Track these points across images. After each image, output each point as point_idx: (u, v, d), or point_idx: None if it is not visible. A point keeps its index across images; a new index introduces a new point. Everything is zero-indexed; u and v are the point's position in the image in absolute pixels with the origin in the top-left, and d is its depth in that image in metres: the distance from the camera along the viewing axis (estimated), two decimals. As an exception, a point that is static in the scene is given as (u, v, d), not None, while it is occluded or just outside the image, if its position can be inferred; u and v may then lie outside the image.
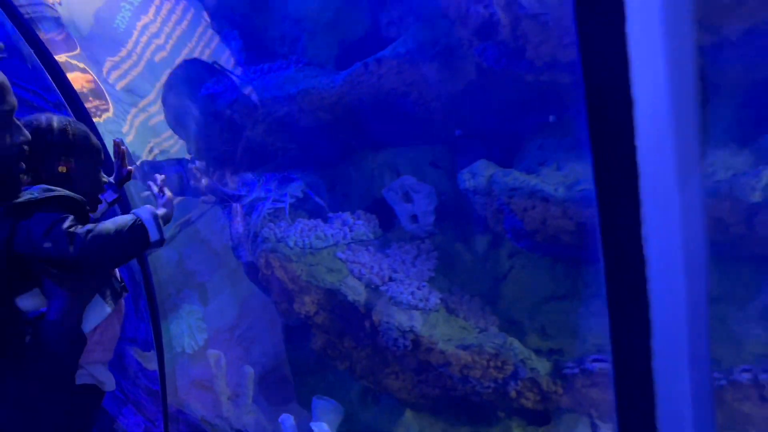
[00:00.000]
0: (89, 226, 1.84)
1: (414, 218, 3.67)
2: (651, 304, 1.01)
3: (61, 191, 1.88)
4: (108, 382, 2.13)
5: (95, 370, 2.07)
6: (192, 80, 4.32)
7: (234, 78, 3.83)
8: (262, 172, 3.98)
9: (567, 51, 2.37)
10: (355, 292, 3.48)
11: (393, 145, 3.93)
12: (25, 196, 1.82)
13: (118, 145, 2.51)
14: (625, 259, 1.03)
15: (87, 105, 3.64)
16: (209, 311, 4.99)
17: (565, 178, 3.06)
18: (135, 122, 4.73)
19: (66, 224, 1.78)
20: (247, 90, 3.79)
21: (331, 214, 3.80)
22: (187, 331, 5.03)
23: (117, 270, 2.24)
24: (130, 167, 2.53)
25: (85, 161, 2.13)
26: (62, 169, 2.06)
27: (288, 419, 3.86)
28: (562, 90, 2.79)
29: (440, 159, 3.88)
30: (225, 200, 4.21)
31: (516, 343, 2.98)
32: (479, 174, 3.20)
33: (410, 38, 3.07)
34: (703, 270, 0.99)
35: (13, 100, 1.68)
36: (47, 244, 1.76)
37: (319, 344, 3.94)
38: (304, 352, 4.40)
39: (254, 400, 4.40)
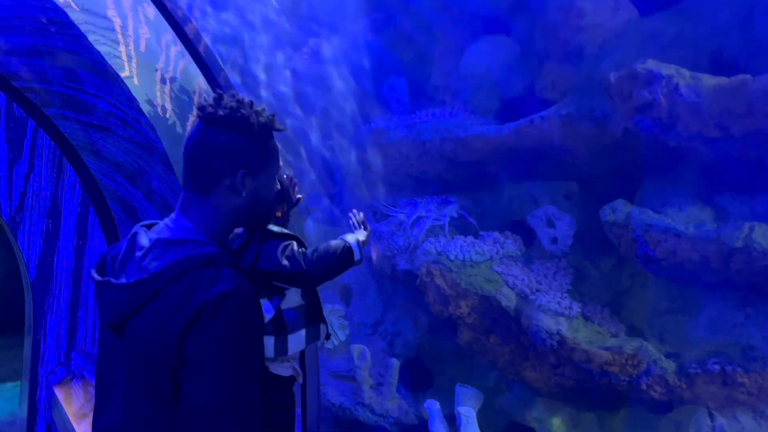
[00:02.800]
0: (312, 248, 2.42)
1: (554, 240, 4.65)
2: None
3: (289, 232, 2.48)
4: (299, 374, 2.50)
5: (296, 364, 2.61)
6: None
7: (405, 118, 4.87)
8: (423, 194, 5.00)
9: (712, 128, 3.31)
10: (508, 299, 4.49)
11: (532, 179, 4.91)
12: (269, 229, 2.38)
13: (291, 178, 2.84)
14: None
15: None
16: (352, 309, 6.06)
17: (690, 219, 3.98)
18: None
19: (295, 246, 2.36)
20: (417, 130, 4.83)
21: (482, 233, 4.80)
22: (329, 328, 6.09)
23: None
24: (299, 195, 2.89)
25: (289, 205, 2.71)
26: (279, 214, 2.56)
27: (434, 404, 4.83)
28: (698, 153, 3.72)
29: (572, 193, 4.84)
30: (385, 217, 5.25)
31: (650, 347, 3.93)
32: (619, 210, 4.16)
33: (571, 103, 4.05)
34: None
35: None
36: (285, 262, 2.19)
37: (466, 340, 4.95)
38: (445, 346, 5.43)
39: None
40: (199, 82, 4.29)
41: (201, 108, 1.54)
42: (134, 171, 5.56)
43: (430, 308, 5.18)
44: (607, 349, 4.15)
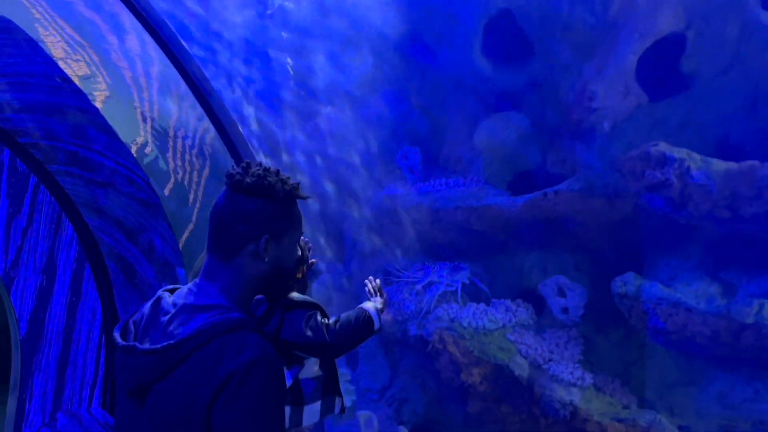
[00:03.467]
0: (333, 318, 2.38)
1: (565, 310, 4.75)
2: None
3: (313, 299, 2.45)
4: None
5: None
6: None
7: (418, 186, 5.04)
8: (435, 260, 5.11)
9: (722, 210, 3.48)
10: (521, 368, 4.54)
11: (543, 249, 5.05)
12: (292, 297, 2.36)
13: (307, 243, 2.80)
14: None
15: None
16: (358, 374, 6.05)
17: (699, 294, 4.11)
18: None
19: (318, 317, 2.31)
20: (431, 198, 4.98)
21: (494, 300, 4.89)
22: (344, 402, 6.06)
23: None
24: (313, 260, 2.84)
25: (308, 267, 2.74)
26: (299, 275, 2.59)
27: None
28: (706, 231, 3.88)
29: (582, 264, 4.98)
30: (395, 281, 5.34)
31: (664, 420, 3.99)
32: (630, 283, 4.30)
33: (583, 178, 4.24)
34: None
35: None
36: (309, 333, 2.23)
37: (476, 408, 4.97)
38: (454, 414, 5.42)
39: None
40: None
41: (229, 176, 1.60)
42: (133, 228, 5.62)
43: (441, 375, 5.21)
44: (620, 421, 4.20)
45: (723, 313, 3.90)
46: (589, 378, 4.45)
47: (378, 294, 2.88)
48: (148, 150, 4.83)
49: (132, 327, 1.63)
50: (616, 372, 4.75)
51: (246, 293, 1.63)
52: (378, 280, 3.02)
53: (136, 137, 4.75)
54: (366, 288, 2.96)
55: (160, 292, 1.68)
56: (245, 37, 5.56)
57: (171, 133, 5.02)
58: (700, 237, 4.08)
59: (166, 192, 5.25)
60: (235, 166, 1.65)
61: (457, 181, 5.05)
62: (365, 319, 2.50)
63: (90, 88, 4.37)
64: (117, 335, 1.63)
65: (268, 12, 5.91)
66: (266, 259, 1.60)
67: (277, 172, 1.62)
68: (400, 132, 5.55)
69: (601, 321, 4.87)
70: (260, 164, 1.63)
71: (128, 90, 4.63)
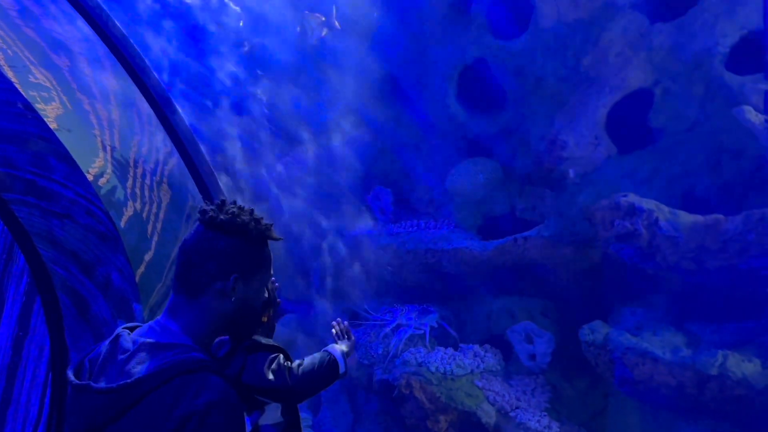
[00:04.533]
0: (296, 362, 2.39)
1: (533, 357, 4.72)
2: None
3: (276, 343, 2.46)
4: None
5: None
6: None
7: (389, 226, 5.00)
8: (403, 302, 5.04)
9: (689, 261, 3.53)
10: (488, 415, 4.46)
11: (511, 294, 5.04)
12: (256, 339, 2.35)
13: (274, 283, 2.76)
14: None
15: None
16: (320, 419, 5.86)
17: (664, 344, 4.13)
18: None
19: (282, 360, 2.24)
20: (401, 239, 4.95)
21: (462, 345, 4.83)
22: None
23: None
24: (279, 300, 2.82)
25: (274, 309, 2.63)
26: (264, 319, 2.48)
27: None
28: (673, 282, 3.93)
29: (548, 310, 4.98)
30: (363, 323, 5.24)
31: (631, 471, 3.92)
32: (597, 331, 4.30)
33: (553, 226, 4.28)
34: None
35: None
36: (270, 376, 2.17)
37: (440, 457, 4.81)
38: (418, 461, 5.26)
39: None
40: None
41: (203, 212, 1.58)
42: (90, 261, 5.39)
43: (406, 421, 5.08)
44: (587, 472, 4.13)
45: (688, 363, 3.92)
46: (555, 427, 4.39)
47: (345, 336, 2.81)
48: (102, 182, 4.66)
49: (87, 365, 1.56)
50: (582, 421, 4.71)
51: (209, 333, 1.59)
52: (345, 323, 2.99)
53: (93, 165, 4.56)
54: (333, 330, 2.87)
55: (119, 330, 1.61)
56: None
57: (131, 162, 4.85)
58: (666, 287, 4.14)
59: (122, 224, 5.06)
60: (209, 203, 1.63)
61: (429, 223, 5.04)
62: (330, 362, 2.43)
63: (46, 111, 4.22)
64: (71, 373, 1.55)
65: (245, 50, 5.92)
66: (233, 299, 1.56)
67: (251, 212, 1.60)
68: (372, 172, 5.54)
69: (568, 368, 4.85)
70: (234, 202, 1.61)
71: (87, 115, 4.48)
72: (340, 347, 2.57)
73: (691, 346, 4.17)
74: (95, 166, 4.57)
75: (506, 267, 4.65)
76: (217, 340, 2.31)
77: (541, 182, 4.55)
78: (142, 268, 5.09)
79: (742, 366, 3.74)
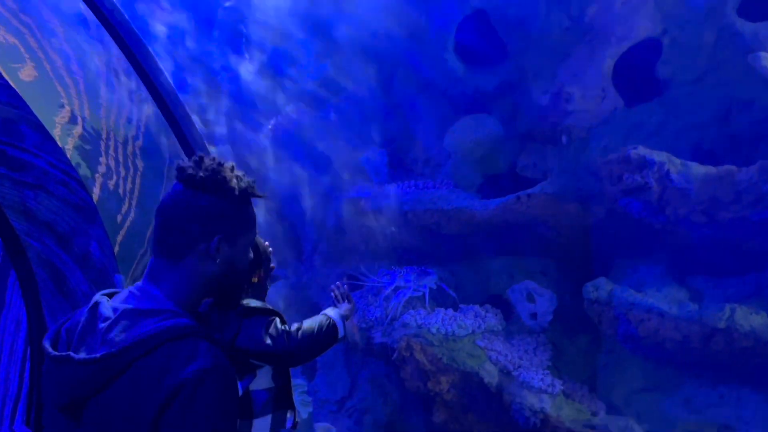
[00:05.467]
0: (295, 325, 2.27)
1: (534, 316, 4.65)
2: None
3: (270, 307, 2.34)
4: None
5: None
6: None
7: (385, 188, 4.84)
8: (401, 264, 4.92)
9: (699, 214, 3.45)
10: (491, 374, 4.39)
11: (511, 254, 4.94)
12: (248, 303, 2.25)
13: (267, 246, 2.64)
14: None
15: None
16: (315, 384, 5.75)
17: (668, 299, 4.08)
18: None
19: (279, 324, 2.22)
20: (398, 200, 4.79)
21: (462, 306, 4.73)
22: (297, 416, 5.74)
23: None
24: (273, 264, 2.68)
25: (266, 271, 2.57)
26: (255, 279, 2.41)
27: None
28: (678, 236, 3.86)
29: (548, 269, 4.90)
30: (359, 286, 5.11)
31: (637, 427, 3.91)
32: (601, 288, 4.23)
33: (556, 182, 4.16)
34: None
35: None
36: (268, 340, 2.13)
37: (442, 417, 4.78)
38: (417, 424, 5.21)
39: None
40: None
41: (180, 170, 1.48)
42: (65, 233, 5.16)
43: (405, 384, 5.00)
44: (592, 428, 4.10)
45: (695, 318, 3.88)
46: (558, 384, 4.34)
47: (345, 300, 2.76)
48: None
49: (65, 335, 1.49)
50: (583, 378, 4.68)
51: (195, 297, 1.51)
52: (345, 286, 2.90)
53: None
54: (332, 294, 2.83)
55: (97, 297, 1.53)
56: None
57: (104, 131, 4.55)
58: (671, 242, 4.07)
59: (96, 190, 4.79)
60: (186, 160, 1.52)
61: (427, 183, 4.88)
62: (329, 326, 2.37)
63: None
64: (47, 344, 1.47)
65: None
66: (218, 261, 1.49)
67: (232, 168, 1.52)
68: (366, 132, 5.34)
69: (569, 327, 4.80)
70: (214, 158, 1.52)
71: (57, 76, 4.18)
72: (339, 311, 2.51)
73: (694, 300, 4.13)
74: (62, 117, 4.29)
75: (507, 226, 4.53)
76: (203, 304, 2.30)
77: (543, 138, 4.41)
78: (121, 237, 4.84)
79: (750, 319, 3.70)
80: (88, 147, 4.53)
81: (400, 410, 5.38)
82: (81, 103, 4.34)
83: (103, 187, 4.69)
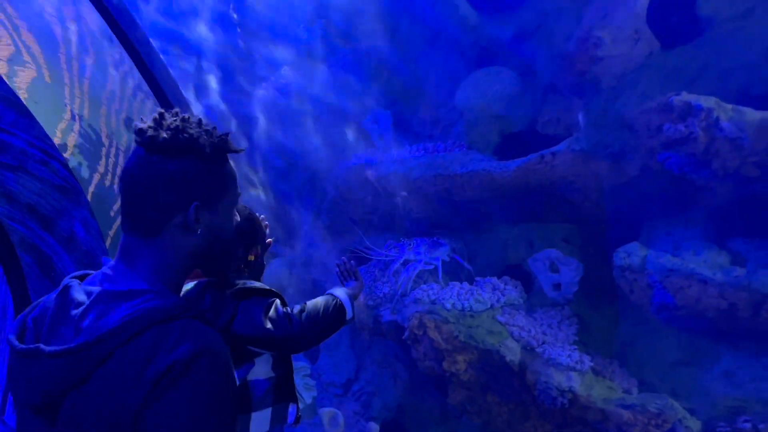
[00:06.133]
0: (297, 307, 2.03)
1: (557, 286, 4.24)
2: None
3: (269, 287, 2.12)
4: None
5: None
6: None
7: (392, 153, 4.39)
8: (410, 236, 4.49)
9: (752, 167, 3.02)
10: (513, 352, 4.00)
11: (528, 220, 4.52)
12: (245, 283, 2.03)
13: (263, 220, 2.41)
14: None
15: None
16: (319, 366, 5.36)
17: (709, 265, 3.68)
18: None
19: (279, 306, 1.99)
20: (407, 165, 4.35)
21: (479, 279, 4.32)
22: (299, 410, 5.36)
23: None
24: (270, 239, 2.46)
25: (263, 248, 2.31)
26: (251, 257, 2.17)
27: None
28: (719, 194, 3.44)
29: (571, 236, 4.49)
30: (365, 260, 4.69)
31: (676, 404, 3.53)
32: (634, 254, 3.82)
33: (585, 138, 3.71)
34: None
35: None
36: (269, 325, 1.90)
37: (459, 399, 4.40)
38: (430, 406, 4.84)
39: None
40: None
41: (139, 132, 1.28)
42: (49, 215, 4.78)
43: (417, 364, 4.61)
44: (627, 407, 3.72)
45: (743, 284, 3.48)
46: (587, 361, 3.96)
47: (352, 278, 2.50)
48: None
49: (32, 325, 1.33)
50: (610, 353, 4.30)
51: (177, 275, 1.34)
52: (353, 262, 2.60)
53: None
54: (336, 271, 2.56)
55: (67, 280, 1.35)
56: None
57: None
58: (710, 201, 3.66)
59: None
60: (144, 118, 1.31)
61: (438, 146, 4.43)
62: (336, 307, 2.13)
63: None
64: (12, 337, 1.31)
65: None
66: (198, 232, 1.32)
67: (200, 122, 1.33)
68: (368, 92, 4.87)
69: (594, 298, 4.40)
70: (177, 113, 1.33)
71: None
72: (345, 290, 2.30)
73: (737, 265, 3.74)
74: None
75: (528, 189, 4.10)
76: (199, 285, 2.03)
77: (568, 89, 3.97)
78: (113, 230, 4.56)
79: (804, 283, 3.31)
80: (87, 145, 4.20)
81: (411, 392, 5.00)
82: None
83: (98, 184, 4.37)
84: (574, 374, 3.91)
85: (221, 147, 1.34)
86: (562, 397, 3.88)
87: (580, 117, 3.85)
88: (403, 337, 4.45)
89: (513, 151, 4.18)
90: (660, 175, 3.65)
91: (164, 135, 1.27)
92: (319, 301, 2.10)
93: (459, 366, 4.23)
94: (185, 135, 1.28)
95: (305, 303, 2.08)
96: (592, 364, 3.96)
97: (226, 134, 1.36)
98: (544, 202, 4.24)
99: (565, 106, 4.06)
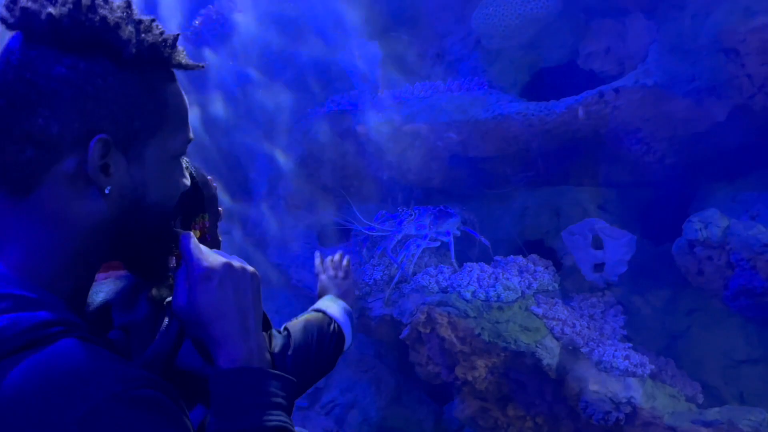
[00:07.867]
0: (278, 335, 1.44)
1: (599, 267, 3.28)
2: None
3: None
4: None
5: None
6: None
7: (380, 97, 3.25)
8: (405, 205, 3.40)
9: None
10: (551, 354, 3.02)
11: (553, 183, 3.54)
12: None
13: (211, 180, 1.68)
14: None
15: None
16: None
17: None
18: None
19: None
20: (407, 110, 3.23)
21: (498, 258, 3.30)
22: None
23: None
24: (221, 208, 1.78)
25: (213, 218, 1.56)
26: (197, 233, 1.44)
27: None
28: None
29: (610, 203, 3.55)
30: (346, 237, 3.56)
31: (778, 420, 2.65)
32: (713, 224, 2.93)
33: (659, 69, 2.75)
34: None
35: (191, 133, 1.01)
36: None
37: (468, 412, 3.39)
38: (423, 420, 3.81)
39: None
40: None
41: (8, 7, 0.72)
42: None
43: (416, 370, 3.54)
44: (708, 425, 2.82)
45: None
46: (647, 363, 3.02)
47: (343, 275, 2.09)
48: None
49: None
50: (660, 348, 3.42)
51: (65, 265, 0.79)
52: (348, 257, 2.22)
53: None
54: (316, 263, 2.16)
55: None
56: None
57: None
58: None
59: None
60: None
61: (450, 84, 3.30)
62: (334, 335, 1.59)
63: None
64: None
65: None
66: (107, 190, 0.77)
67: (128, 5, 0.78)
68: (346, 18, 3.66)
69: (640, 281, 3.49)
70: None
71: None
72: (344, 305, 1.75)
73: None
74: None
75: (575, 141, 3.11)
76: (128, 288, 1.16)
77: (627, 6, 2.97)
78: None
79: None
80: None
81: (396, 402, 3.94)
82: None
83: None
84: (633, 381, 2.97)
85: (158, 52, 0.78)
86: (617, 411, 2.94)
87: (651, 43, 2.85)
88: (401, 336, 3.35)
89: (546, 93, 3.14)
90: (759, 117, 2.74)
91: (52, 12, 0.70)
92: (309, 327, 1.54)
93: (479, 372, 3.19)
94: (94, 17, 0.72)
95: (287, 328, 1.51)
96: (652, 366, 3.05)
97: (174, 36, 0.82)
98: (583, 159, 3.26)
99: (618, 32, 3.06)
